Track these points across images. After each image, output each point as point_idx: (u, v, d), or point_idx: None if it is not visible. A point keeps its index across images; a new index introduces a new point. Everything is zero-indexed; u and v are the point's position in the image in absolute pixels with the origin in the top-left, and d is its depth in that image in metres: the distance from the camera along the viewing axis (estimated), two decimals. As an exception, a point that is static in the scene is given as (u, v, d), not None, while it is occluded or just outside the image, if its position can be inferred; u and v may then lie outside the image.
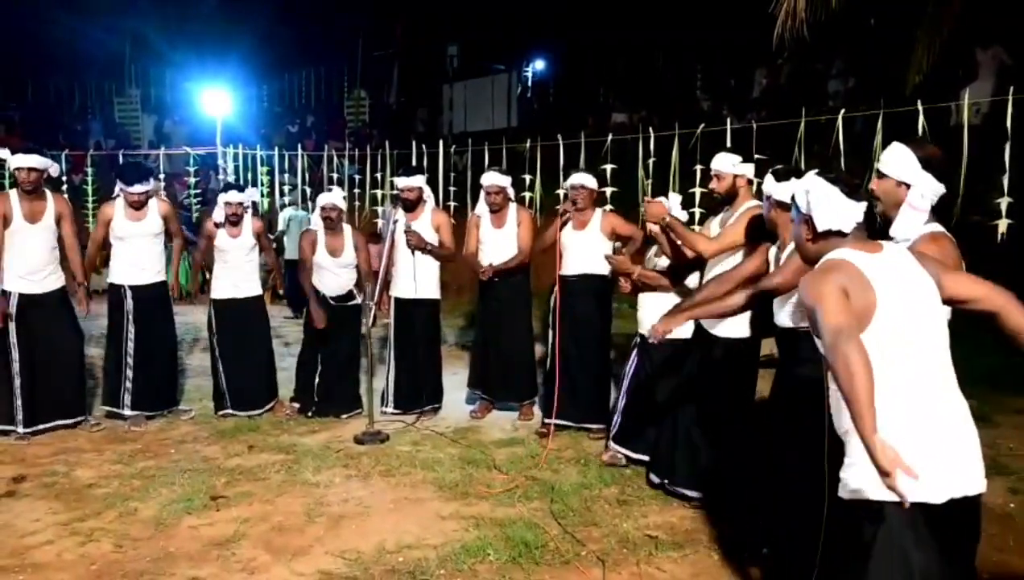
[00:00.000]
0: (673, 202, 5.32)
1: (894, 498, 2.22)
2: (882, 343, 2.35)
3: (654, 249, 5.49)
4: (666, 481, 4.83)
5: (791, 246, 3.58)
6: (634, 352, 5.47)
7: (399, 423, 6.29)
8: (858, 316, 2.34)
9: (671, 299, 5.03)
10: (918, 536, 2.32)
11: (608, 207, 6.71)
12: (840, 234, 2.54)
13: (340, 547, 4.14)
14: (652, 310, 5.26)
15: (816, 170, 2.67)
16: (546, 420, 5.96)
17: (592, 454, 5.57)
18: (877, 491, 2.30)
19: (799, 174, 3.50)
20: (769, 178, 3.78)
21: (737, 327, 4.42)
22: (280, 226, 11.37)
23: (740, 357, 4.49)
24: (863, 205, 2.54)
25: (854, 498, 2.40)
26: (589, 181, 5.93)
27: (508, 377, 6.41)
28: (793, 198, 2.70)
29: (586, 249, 5.90)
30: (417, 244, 6.28)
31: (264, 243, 6.63)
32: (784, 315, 3.69)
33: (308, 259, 6.41)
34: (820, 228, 2.56)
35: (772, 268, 3.84)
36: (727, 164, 4.59)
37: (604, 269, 5.86)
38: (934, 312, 2.47)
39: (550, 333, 6.05)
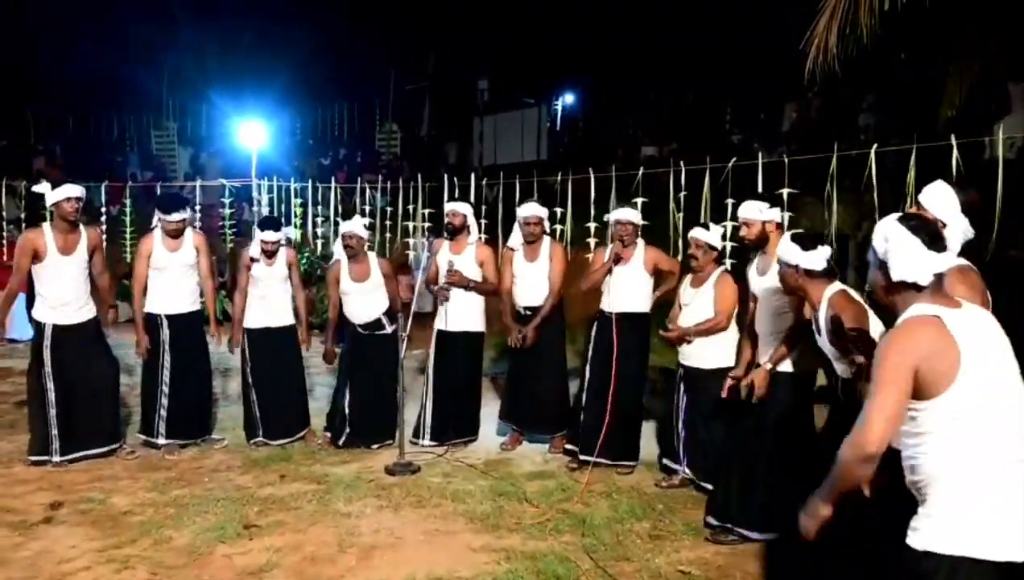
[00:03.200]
0: (714, 233, 5.37)
1: (973, 554, 2.27)
2: (963, 402, 2.33)
3: (687, 281, 5.55)
4: (728, 525, 4.69)
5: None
6: (681, 385, 5.52)
7: (430, 454, 6.31)
8: (940, 375, 2.31)
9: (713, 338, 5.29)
10: None
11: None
12: (915, 287, 2.43)
13: (372, 578, 4.16)
14: (695, 342, 5.40)
15: (899, 216, 2.55)
16: (582, 457, 5.92)
17: (623, 488, 5.54)
18: (957, 546, 2.30)
19: (822, 240, 3.59)
20: (793, 247, 3.86)
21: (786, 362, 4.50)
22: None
23: (796, 391, 4.53)
24: (944, 256, 2.43)
25: (928, 550, 2.36)
26: (634, 216, 5.91)
27: (539, 409, 6.39)
28: (871, 243, 2.57)
29: (628, 285, 5.86)
30: (459, 282, 6.33)
31: (296, 277, 6.68)
32: (841, 366, 3.73)
33: (333, 293, 6.51)
34: (895, 278, 2.45)
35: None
36: (754, 211, 4.65)
37: (645, 306, 5.89)
38: (1013, 369, 2.44)
39: (586, 369, 6.04)
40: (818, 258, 3.81)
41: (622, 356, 5.81)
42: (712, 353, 5.35)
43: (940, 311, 2.37)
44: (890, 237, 2.46)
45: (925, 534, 2.37)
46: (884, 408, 2.34)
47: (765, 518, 4.51)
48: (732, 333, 5.41)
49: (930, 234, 2.46)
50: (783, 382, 4.51)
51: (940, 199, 3.28)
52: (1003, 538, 2.29)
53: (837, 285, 3.85)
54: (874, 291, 2.63)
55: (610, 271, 5.85)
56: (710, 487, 5.19)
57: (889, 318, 2.60)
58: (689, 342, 5.42)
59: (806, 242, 3.87)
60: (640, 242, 5.97)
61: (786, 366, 4.50)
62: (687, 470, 5.49)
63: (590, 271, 6.03)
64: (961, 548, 2.30)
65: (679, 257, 6.82)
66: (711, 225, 5.51)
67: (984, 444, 2.33)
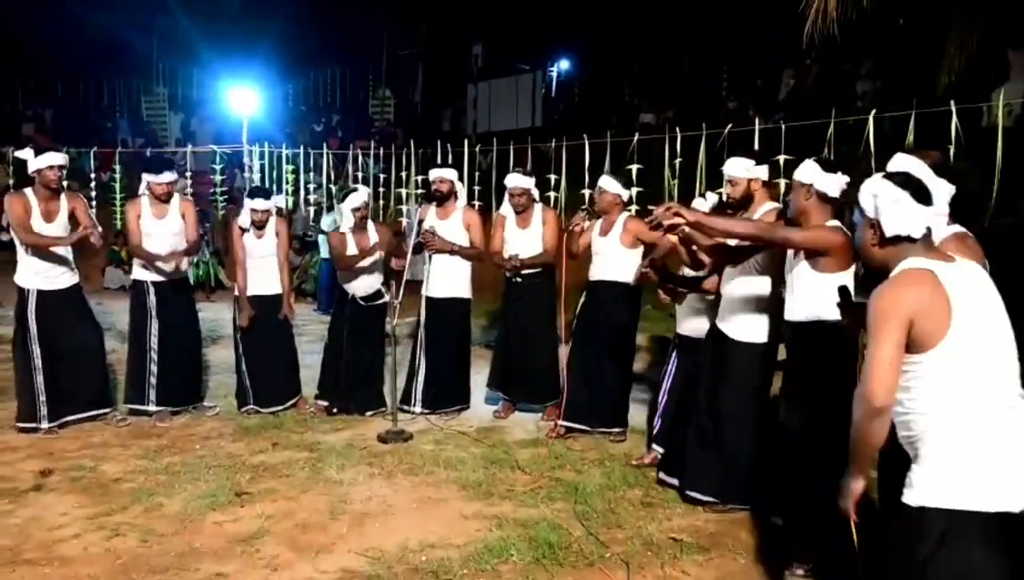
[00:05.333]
0: (711, 202, 5.28)
1: (971, 506, 2.27)
2: (955, 355, 2.34)
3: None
4: (680, 482, 4.77)
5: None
6: (673, 352, 5.48)
7: (422, 422, 6.29)
8: (933, 329, 2.34)
9: (707, 299, 5.12)
10: (991, 545, 2.29)
11: (635, 208, 6.64)
12: (909, 240, 2.47)
13: (363, 545, 4.14)
14: (689, 310, 5.34)
15: (883, 174, 2.61)
16: (560, 423, 5.94)
17: (616, 456, 5.54)
18: (951, 500, 2.30)
19: (845, 168, 3.54)
20: (814, 167, 3.76)
21: (755, 332, 4.41)
22: (325, 226, 11.30)
23: (759, 360, 4.46)
24: (931, 210, 2.49)
25: (923, 505, 2.35)
26: (612, 185, 5.84)
27: (529, 379, 6.38)
28: (857, 201, 2.61)
29: (609, 255, 5.84)
30: (440, 247, 6.27)
31: (283, 252, 6.62)
32: (797, 308, 3.72)
33: (343, 257, 6.41)
34: (888, 234, 2.48)
35: (790, 263, 3.84)
36: (740, 169, 4.52)
37: (625, 277, 5.80)
38: (1005, 323, 2.46)
39: (572, 337, 6.03)
40: (834, 183, 3.72)
41: (604, 323, 5.81)
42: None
43: (933, 265, 2.40)
44: (879, 194, 2.50)
45: (919, 490, 2.37)
46: (883, 357, 2.35)
47: (728, 486, 4.55)
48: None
49: (917, 188, 2.50)
50: (742, 350, 4.45)
51: (907, 169, 3.24)
52: (998, 489, 2.29)
53: (838, 223, 3.77)
54: (862, 252, 2.64)
55: (574, 234, 5.87)
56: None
57: (873, 279, 2.60)
58: (679, 300, 5.33)
59: (828, 164, 3.78)
60: (623, 215, 5.89)
61: (745, 336, 4.43)
62: (655, 445, 5.43)
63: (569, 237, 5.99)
64: (955, 501, 2.29)
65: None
66: (707, 194, 5.43)
67: (975, 396, 2.34)
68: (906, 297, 2.36)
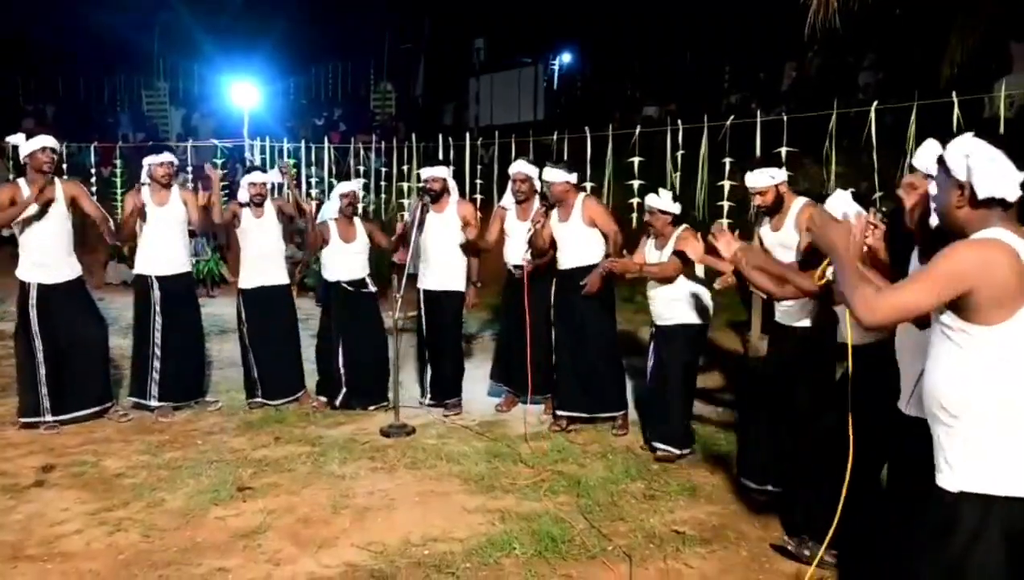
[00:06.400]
0: (664, 197, 5.31)
1: (1008, 492, 2.20)
2: (1020, 337, 2.23)
3: (650, 242, 5.50)
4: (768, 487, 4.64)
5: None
6: (651, 343, 5.56)
7: (424, 416, 6.29)
8: (1003, 302, 2.21)
9: (680, 289, 5.29)
10: None
11: (637, 200, 6.63)
12: (1002, 204, 2.29)
13: (366, 539, 4.14)
14: (663, 302, 5.42)
15: (974, 132, 2.40)
16: (559, 412, 5.98)
17: (618, 449, 5.54)
18: (1000, 486, 2.23)
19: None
20: (846, 198, 3.70)
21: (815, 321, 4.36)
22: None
23: (818, 349, 4.40)
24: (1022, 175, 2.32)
25: (963, 490, 2.27)
26: (556, 176, 5.84)
27: (532, 370, 6.36)
28: (942, 160, 2.42)
29: (575, 240, 5.88)
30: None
31: (285, 220, 6.71)
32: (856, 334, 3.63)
33: (313, 248, 6.70)
34: (981, 195, 2.28)
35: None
36: (765, 178, 4.52)
37: (594, 258, 5.82)
38: None
39: (553, 328, 6.07)
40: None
41: (580, 310, 5.83)
42: (681, 310, 5.35)
43: (1013, 238, 2.24)
44: (973, 153, 2.31)
45: (960, 473, 2.28)
46: (912, 299, 2.26)
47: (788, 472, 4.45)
48: (700, 292, 5.36)
49: (1011, 148, 2.32)
50: (800, 337, 4.40)
51: (933, 156, 3.24)
52: None
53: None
54: (941, 213, 2.47)
55: (538, 227, 5.90)
56: (668, 449, 5.29)
57: (940, 241, 2.47)
58: (636, 273, 5.48)
59: (860, 198, 3.78)
60: (580, 196, 5.93)
61: (804, 322, 4.38)
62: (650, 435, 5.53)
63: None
64: (1003, 488, 2.22)
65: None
66: (660, 190, 5.44)
67: None
68: (979, 264, 2.21)
